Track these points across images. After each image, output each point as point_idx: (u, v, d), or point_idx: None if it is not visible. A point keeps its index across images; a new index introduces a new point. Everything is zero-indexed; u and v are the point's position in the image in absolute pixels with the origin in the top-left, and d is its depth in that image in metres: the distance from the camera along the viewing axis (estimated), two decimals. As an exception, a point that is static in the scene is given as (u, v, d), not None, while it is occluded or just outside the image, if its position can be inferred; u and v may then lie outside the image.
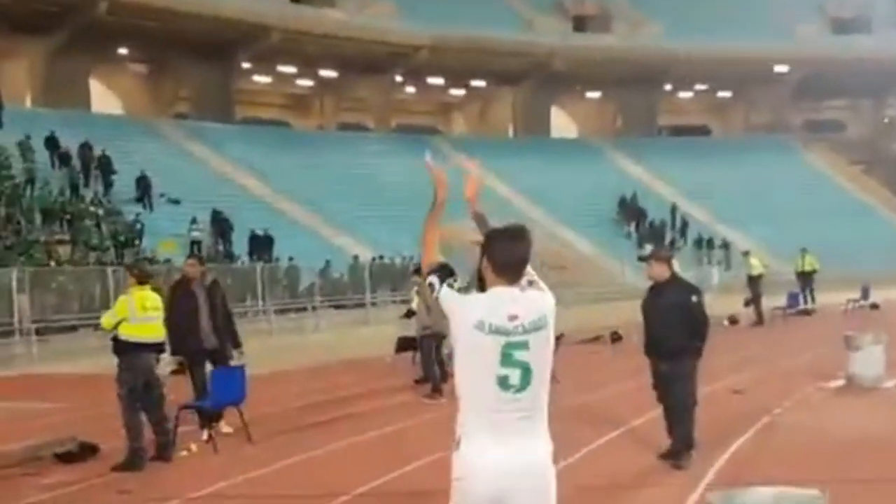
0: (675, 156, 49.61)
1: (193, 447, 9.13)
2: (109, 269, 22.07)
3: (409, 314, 15.42)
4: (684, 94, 56.46)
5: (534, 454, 3.48)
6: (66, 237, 25.62)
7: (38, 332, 20.52)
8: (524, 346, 3.44)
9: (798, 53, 51.05)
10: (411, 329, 14.32)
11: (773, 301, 22.46)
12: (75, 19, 37.13)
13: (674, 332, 7.66)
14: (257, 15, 41.04)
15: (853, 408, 10.27)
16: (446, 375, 11.62)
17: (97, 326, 14.02)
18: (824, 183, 51.13)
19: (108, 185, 31.22)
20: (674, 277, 7.95)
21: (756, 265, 23.21)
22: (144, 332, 8.77)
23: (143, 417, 8.72)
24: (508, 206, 43.00)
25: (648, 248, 40.42)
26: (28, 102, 38.61)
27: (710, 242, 43.29)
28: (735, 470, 7.46)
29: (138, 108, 43.53)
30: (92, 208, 28.38)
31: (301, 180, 38.04)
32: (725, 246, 42.94)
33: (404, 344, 15.01)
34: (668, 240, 42.31)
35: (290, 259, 29.11)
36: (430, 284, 3.58)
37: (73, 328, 21.13)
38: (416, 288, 14.09)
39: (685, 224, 44.65)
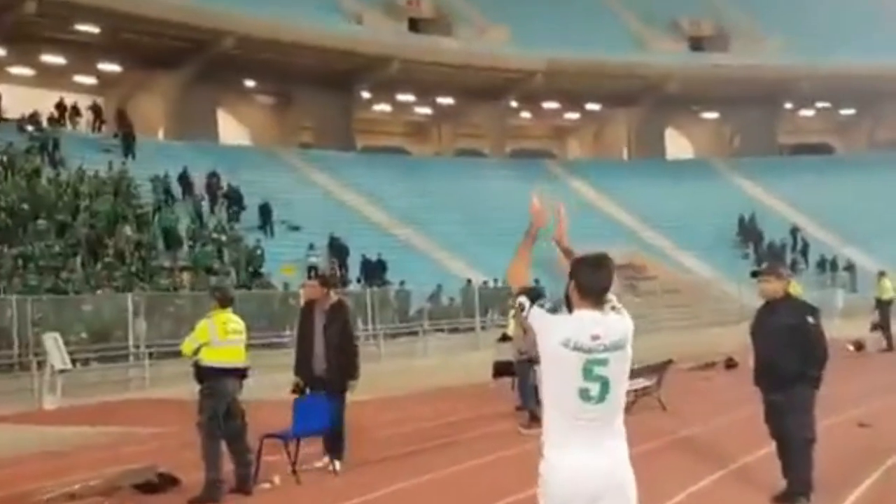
0: (795, 175, 48.45)
1: (276, 479, 8.75)
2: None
3: (505, 338, 15.32)
4: (805, 113, 55.15)
5: (613, 459, 3.94)
6: (189, 264, 26.83)
7: (151, 356, 20.83)
8: (604, 362, 3.89)
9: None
10: (508, 353, 14.13)
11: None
12: (204, 54, 38.88)
13: (786, 358, 6.91)
14: (378, 46, 42.25)
15: None
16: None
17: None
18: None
19: (233, 213, 32.78)
20: (788, 296, 7.25)
21: (888, 288, 22.44)
22: (227, 357, 8.39)
23: (224, 447, 8.36)
24: (623, 228, 43.12)
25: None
26: (161, 135, 40.79)
27: (833, 264, 42.15)
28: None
29: (264, 138, 45.28)
30: (215, 235, 29.81)
31: (417, 206, 39.02)
32: (850, 268, 41.75)
33: (501, 369, 14.86)
34: (788, 262, 41.44)
35: (402, 283, 29.79)
36: (521, 304, 4.05)
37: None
38: (512, 312, 13.91)
39: (806, 245, 43.58)
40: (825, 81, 48.65)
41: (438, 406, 14.76)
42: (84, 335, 20.70)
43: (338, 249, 31.71)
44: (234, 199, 33.23)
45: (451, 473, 9.15)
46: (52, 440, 13.10)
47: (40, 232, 24.89)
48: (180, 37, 37.84)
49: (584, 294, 3.97)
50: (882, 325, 21.57)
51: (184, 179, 32.78)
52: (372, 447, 10.49)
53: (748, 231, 44.24)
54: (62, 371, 17.38)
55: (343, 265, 31.17)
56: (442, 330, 29.12)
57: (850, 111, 55.00)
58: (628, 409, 12.45)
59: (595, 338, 3.88)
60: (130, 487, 8.65)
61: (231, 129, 45.14)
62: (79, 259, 24.48)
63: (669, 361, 13.70)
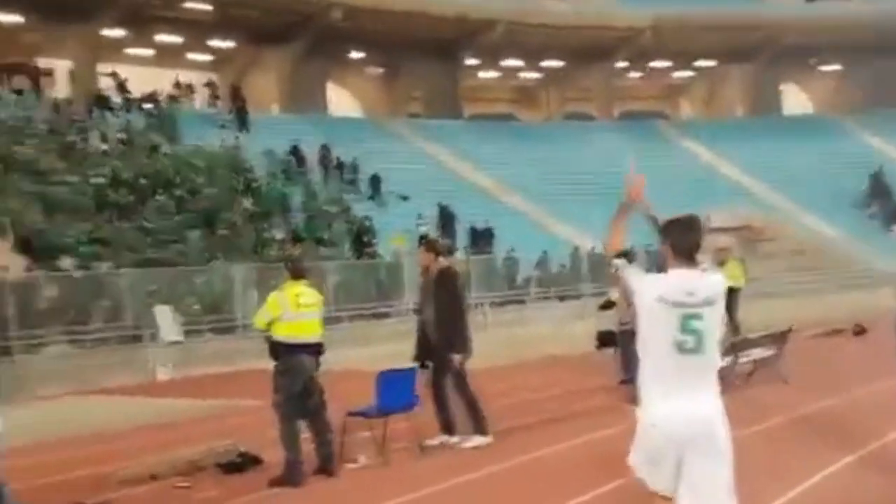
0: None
1: (362, 459, 8.42)
2: (331, 265, 23.21)
3: (607, 305, 14.24)
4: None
5: (707, 407, 4.15)
6: (302, 235, 27.33)
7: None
8: (699, 317, 4.14)
9: None
10: (611, 323, 13.39)
11: None
12: (313, 27, 39.49)
13: None
14: (483, 10, 42.08)
15: None
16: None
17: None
18: None
19: (345, 185, 33.25)
20: None
21: None
22: (300, 332, 8.03)
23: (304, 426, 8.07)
24: (740, 189, 41.92)
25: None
26: (275, 110, 41.64)
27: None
28: None
29: (373, 109, 45.74)
30: (325, 207, 30.32)
31: (526, 172, 38.80)
32: None
33: (604, 339, 14.19)
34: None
35: (511, 250, 29.74)
36: (616, 266, 4.34)
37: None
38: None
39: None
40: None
41: (541, 377, 14.63)
42: (197, 307, 21.28)
43: (447, 218, 31.83)
44: (346, 171, 33.72)
45: (555, 452, 8.72)
46: (164, 412, 13.60)
47: (160, 206, 25.77)
48: (289, 10, 38.48)
49: (677, 253, 4.25)
50: None
51: (296, 152, 33.42)
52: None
53: (878, 189, 42.22)
54: (174, 343, 17.93)
55: (451, 234, 31.29)
56: (549, 298, 28.90)
57: None
58: (746, 381, 11.87)
59: (690, 293, 4.14)
60: (213, 467, 8.52)
61: (341, 102, 45.76)
62: (197, 232, 25.24)
63: (789, 330, 12.81)
